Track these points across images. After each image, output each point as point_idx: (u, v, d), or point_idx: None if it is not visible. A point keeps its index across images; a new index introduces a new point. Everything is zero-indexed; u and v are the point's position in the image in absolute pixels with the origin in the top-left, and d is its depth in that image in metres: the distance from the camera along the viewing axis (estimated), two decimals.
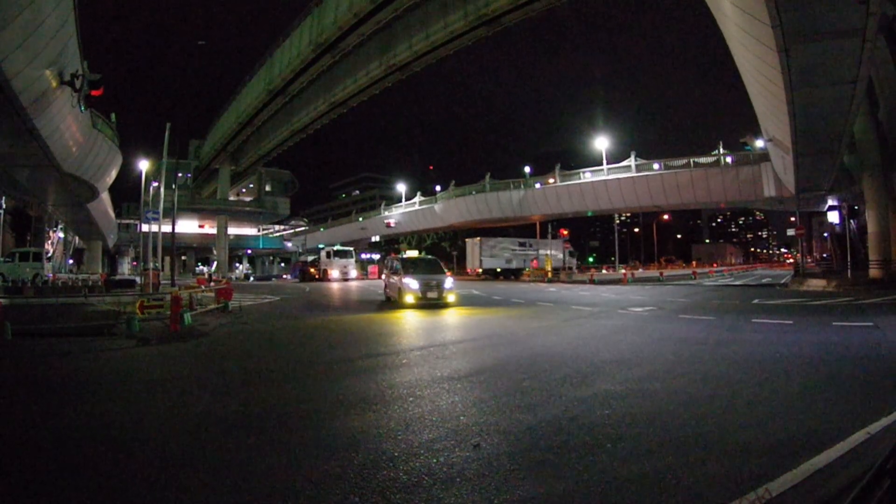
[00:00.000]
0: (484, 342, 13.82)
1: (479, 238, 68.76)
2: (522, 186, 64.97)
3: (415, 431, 6.25)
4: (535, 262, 68.94)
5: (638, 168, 53.49)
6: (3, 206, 50.54)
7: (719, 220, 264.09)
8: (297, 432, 6.31)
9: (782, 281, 44.29)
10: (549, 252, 69.06)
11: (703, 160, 50.91)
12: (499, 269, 68.73)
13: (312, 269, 70.88)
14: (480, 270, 67.68)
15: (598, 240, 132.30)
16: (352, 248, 73.63)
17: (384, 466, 5.07)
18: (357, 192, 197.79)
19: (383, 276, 56.67)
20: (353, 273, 67.83)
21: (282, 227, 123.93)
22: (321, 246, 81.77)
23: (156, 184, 45.75)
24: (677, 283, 49.06)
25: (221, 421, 6.81)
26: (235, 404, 7.67)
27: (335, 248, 70.83)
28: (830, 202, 41.76)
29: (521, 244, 73.47)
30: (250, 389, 8.72)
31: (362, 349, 13.09)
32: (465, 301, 27.02)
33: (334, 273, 65.44)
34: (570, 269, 72.89)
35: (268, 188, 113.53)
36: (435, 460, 5.21)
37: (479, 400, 7.69)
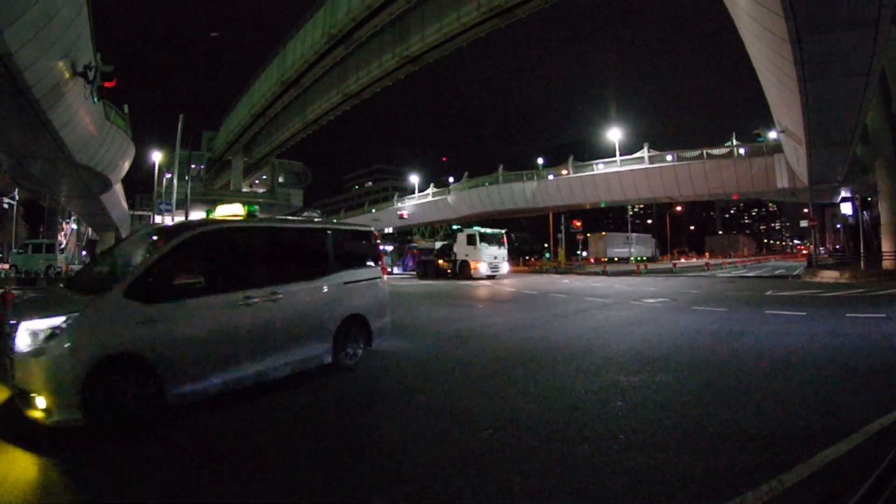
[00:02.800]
0: (498, 330, 13.86)
1: (603, 233, 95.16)
2: (535, 178, 64.54)
3: (428, 417, 6.29)
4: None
5: (651, 160, 53.23)
6: (17, 197, 50.87)
7: (732, 211, 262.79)
8: (300, 429, 6.36)
9: (795, 272, 44.05)
10: (642, 245, 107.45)
11: (716, 152, 50.63)
12: (616, 259, 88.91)
13: (442, 262, 48.74)
14: (604, 259, 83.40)
15: (612, 231, 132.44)
16: (503, 231, 50.21)
17: (394, 457, 5.11)
18: (370, 183, 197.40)
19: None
20: (506, 267, 47.48)
21: (295, 218, 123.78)
22: (456, 227, 54.90)
23: (169, 175, 45.96)
24: (690, 274, 48.85)
25: (234, 414, 6.85)
26: (242, 398, 7.71)
27: (478, 229, 47.83)
28: (843, 194, 41.62)
29: (626, 239, 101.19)
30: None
31: None
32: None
33: (481, 267, 43.97)
34: (654, 258, 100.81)
35: (281, 179, 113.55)
36: (447, 451, 5.24)
37: (492, 390, 7.74)
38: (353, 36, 53.17)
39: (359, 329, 10.06)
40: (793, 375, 8.40)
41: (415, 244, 65.28)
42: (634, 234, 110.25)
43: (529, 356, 10.51)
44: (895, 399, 6.66)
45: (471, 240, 45.20)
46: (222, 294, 7.70)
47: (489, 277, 43.66)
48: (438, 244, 54.92)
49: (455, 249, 47.22)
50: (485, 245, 44.77)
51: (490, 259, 44.57)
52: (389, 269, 60.09)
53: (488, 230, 48.26)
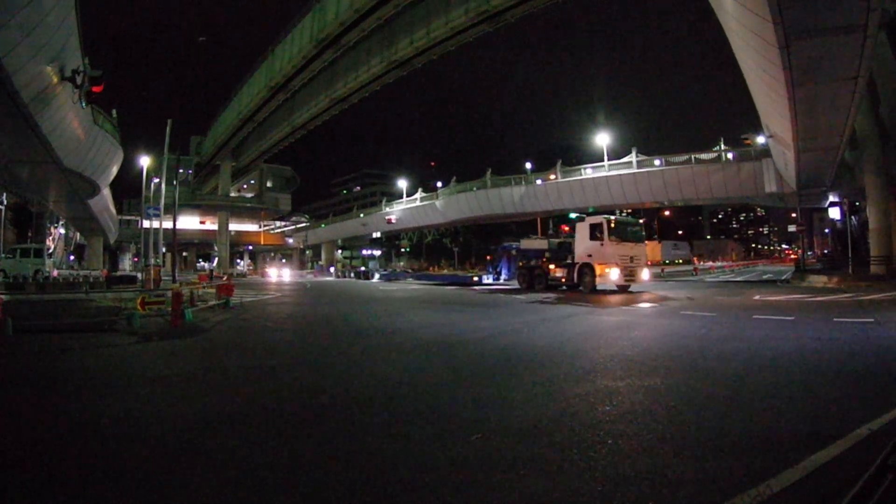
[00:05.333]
0: (484, 335, 13.85)
1: (658, 241, 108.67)
2: (524, 182, 64.53)
3: (416, 427, 6.27)
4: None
5: (639, 164, 53.26)
6: (5, 202, 50.61)
7: (720, 216, 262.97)
8: (296, 429, 6.33)
9: (783, 277, 44.24)
10: (682, 250, 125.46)
11: (704, 156, 50.69)
12: (667, 261, 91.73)
13: (553, 267, 34.78)
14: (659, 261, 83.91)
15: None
16: (641, 221, 36.58)
17: (389, 462, 5.09)
18: (358, 188, 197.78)
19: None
20: (646, 273, 32.81)
21: (283, 223, 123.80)
22: (575, 216, 36.58)
23: (157, 180, 45.83)
24: (678, 279, 49.09)
25: (221, 417, 6.82)
26: (235, 401, 7.69)
27: (608, 216, 33.25)
28: (832, 198, 41.74)
29: (675, 245, 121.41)
30: (250, 385, 8.75)
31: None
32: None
33: (611, 273, 29.87)
34: (689, 261, 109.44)
35: (269, 184, 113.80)
36: (435, 456, 5.23)
37: (479, 395, 7.72)
38: (342, 40, 53.39)
39: None
40: (781, 380, 8.42)
41: (511, 244, 44.35)
42: (678, 242, 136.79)
43: (517, 360, 10.51)
44: (884, 403, 6.67)
45: (596, 232, 31.34)
46: None
47: (622, 288, 31.16)
48: (560, 240, 37.47)
49: (574, 246, 33.28)
50: (617, 239, 30.82)
51: (624, 261, 30.38)
52: (485, 279, 44.25)
53: (623, 217, 36.87)
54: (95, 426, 6.48)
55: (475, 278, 45.54)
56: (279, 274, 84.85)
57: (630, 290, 31.05)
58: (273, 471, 4.90)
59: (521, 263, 38.62)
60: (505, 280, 42.10)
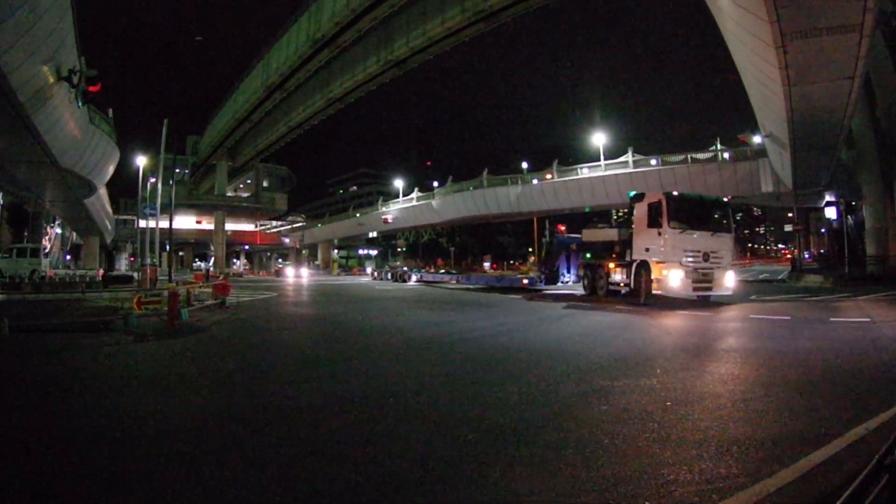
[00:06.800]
0: (481, 334, 13.82)
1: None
2: (520, 182, 64.65)
3: (408, 428, 6.26)
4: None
5: (635, 164, 53.27)
6: (1, 201, 50.56)
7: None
8: (291, 428, 6.31)
9: (780, 277, 44.23)
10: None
11: (700, 156, 50.79)
12: None
13: (614, 266, 25.40)
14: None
15: None
16: (725, 199, 26.23)
17: (382, 461, 5.08)
18: (354, 187, 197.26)
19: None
20: (730, 277, 22.46)
21: (279, 222, 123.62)
22: (634, 193, 24.23)
23: (153, 179, 45.76)
24: None
25: (219, 416, 6.81)
26: (233, 400, 7.68)
27: (673, 193, 22.76)
28: (828, 198, 41.71)
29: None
30: (246, 385, 8.74)
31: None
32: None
33: (671, 277, 20.74)
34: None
35: (265, 184, 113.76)
36: (429, 455, 5.23)
37: (477, 394, 7.72)
38: (338, 40, 53.25)
39: None
40: (777, 380, 8.41)
41: (570, 236, 35.79)
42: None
43: (513, 360, 10.50)
44: (880, 403, 6.66)
45: (654, 216, 21.99)
46: None
47: (701, 299, 22.59)
48: (627, 230, 26.05)
49: (638, 235, 23.47)
50: (680, 226, 21.35)
51: (695, 259, 21.16)
52: (528, 280, 35.05)
53: (692, 194, 25.67)
54: (92, 426, 6.47)
55: (525, 280, 36.28)
56: (297, 274, 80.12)
57: (711, 300, 22.54)
58: (270, 469, 4.89)
59: (588, 260, 28.60)
60: (564, 283, 32.53)
